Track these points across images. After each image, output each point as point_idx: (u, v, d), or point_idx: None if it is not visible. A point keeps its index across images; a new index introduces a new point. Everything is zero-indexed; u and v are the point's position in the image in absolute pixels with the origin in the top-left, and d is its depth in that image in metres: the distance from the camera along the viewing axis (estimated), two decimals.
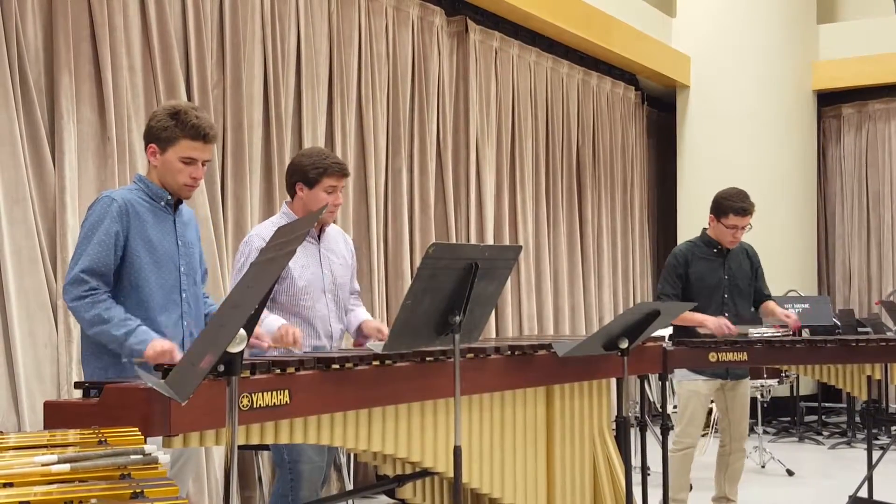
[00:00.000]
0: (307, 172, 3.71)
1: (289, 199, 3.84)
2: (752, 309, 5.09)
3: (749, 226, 4.84)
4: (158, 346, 2.96)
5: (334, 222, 4.07)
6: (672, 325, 4.65)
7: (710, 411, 5.09)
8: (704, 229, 4.97)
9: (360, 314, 3.97)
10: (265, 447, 4.10)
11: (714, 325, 4.64)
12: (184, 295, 3.21)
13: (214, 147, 4.94)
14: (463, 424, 3.23)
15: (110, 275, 3.07)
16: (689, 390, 4.87)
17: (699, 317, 4.69)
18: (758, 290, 5.06)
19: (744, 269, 4.97)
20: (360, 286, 4.19)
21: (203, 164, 3.20)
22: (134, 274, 3.09)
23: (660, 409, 5.59)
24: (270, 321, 3.54)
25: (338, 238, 3.95)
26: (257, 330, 3.40)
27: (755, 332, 5.02)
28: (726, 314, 4.79)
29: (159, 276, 3.14)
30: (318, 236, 3.82)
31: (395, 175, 6.30)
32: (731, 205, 4.77)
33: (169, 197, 3.21)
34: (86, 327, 3.07)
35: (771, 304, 5.04)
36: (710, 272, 4.86)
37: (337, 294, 3.83)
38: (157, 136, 3.15)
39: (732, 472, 5.02)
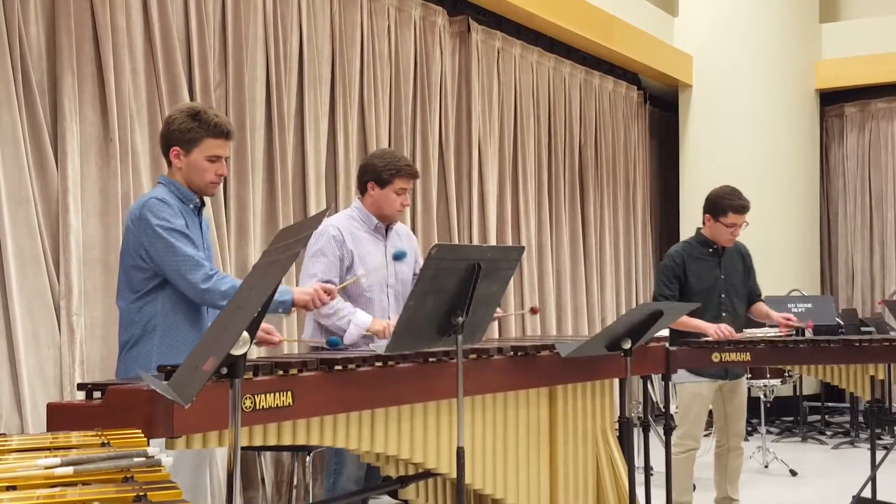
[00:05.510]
0: (381, 173, 3.92)
1: (359, 195, 4.04)
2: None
3: (745, 223, 4.83)
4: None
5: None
6: (670, 328, 4.62)
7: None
8: (699, 229, 4.96)
9: None
10: (268, 448, 4.12)
11: (713, 333, 4.61)
12: None
13: None
14: (466, 425, 3.23)
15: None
16: (691, 392, 4.85)
17: (697, 323, 4.65)
18: (750, 290, 5.05)
19: (738, 268, 4.96)
20: None
21: (225, 161, 3.27)
22: None
23: (662, 410, 5.59)
24: (361, 315, 3.75)
25: (403, 236, 4.13)
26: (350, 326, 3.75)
27: (758, 333, 5.00)
28: (724, 314, 4.77)
29: None
30: (386, 233, 4.00)
31: None
32: (729, 203, 4.76)
33: (198, 200, 3.25)
34: (223, 300, 3.03)
35: (763, 306, 5.01)
36: (707, 272, 4.84)
37: (398, 289, 3.98)
38: (180, 139, 3.17)
39: (732, 471, 5.02)
